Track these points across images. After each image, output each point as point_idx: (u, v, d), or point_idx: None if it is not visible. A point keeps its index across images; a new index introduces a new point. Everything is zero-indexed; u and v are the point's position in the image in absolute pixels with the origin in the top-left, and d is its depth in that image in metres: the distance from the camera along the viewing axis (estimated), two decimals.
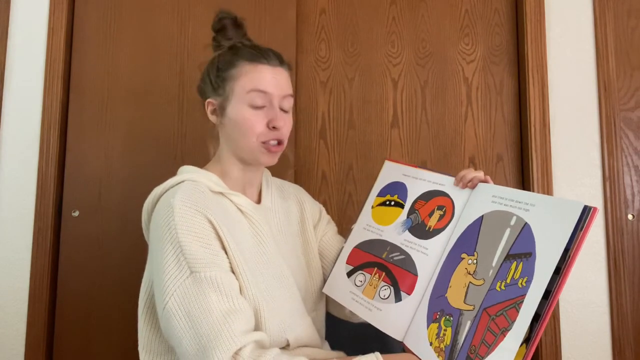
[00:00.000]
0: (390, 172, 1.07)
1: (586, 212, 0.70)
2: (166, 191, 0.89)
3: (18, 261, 1.48)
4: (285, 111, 0.96)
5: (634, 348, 1.43)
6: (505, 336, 0.70)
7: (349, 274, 1.00)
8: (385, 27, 1.59)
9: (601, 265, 1.47)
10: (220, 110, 0.95)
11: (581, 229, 0.70)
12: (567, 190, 1.49)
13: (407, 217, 0.98)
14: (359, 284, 0.97)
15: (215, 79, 0.95)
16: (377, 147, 1.56)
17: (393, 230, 0.99)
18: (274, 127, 0.92)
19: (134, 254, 1.47)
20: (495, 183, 0.91)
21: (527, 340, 0.69)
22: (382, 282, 0.94)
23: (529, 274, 0.72)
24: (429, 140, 1.56)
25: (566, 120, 1.51)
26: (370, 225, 1.03)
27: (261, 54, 0.94)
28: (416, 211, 0.98)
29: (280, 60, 0.96)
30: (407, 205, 1.00)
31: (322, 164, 1.56)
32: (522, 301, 0.70)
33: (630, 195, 1.48)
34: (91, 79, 1.56)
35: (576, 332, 1.45)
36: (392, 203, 1.02)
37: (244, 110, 0.92)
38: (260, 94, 0.92)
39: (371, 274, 0.97)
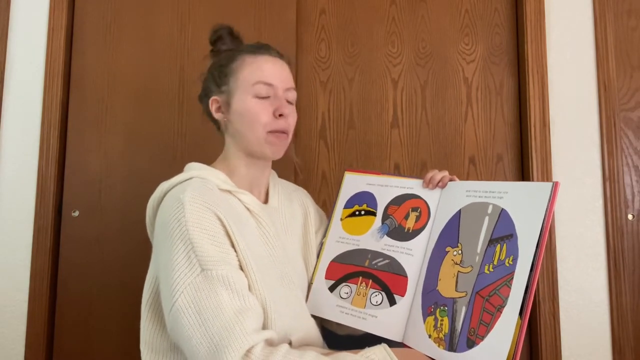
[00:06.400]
0: (353, 183, 1.08)
1: (552, 189, 0.80)
2: (173, 187, 0.88)
3: (18, 261, 1.48)
4: (290, 103, 0.97)
5: (634, 348, 1.43)
6: (501, 312, 0.77)
7: (332, 289, 1.00)
8: (385, 27, 1.59)
9: (601, 265, 1.47)
10: (225, 106, 0.95)
11: (549, 202, 0.79)
12: (567, 190, 1.49)
13: (383, 223, 1.00)
14: (345, 296, 0.97)
15: (219, 74, 0.96)
16: (377, 147, 1.56)
17: (370, 237, 1.00)
18: (280, 115, 0.93)
19: (134, 254, 1.47)
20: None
21: (519, 312, 0.76)
22: (371, 289, 0.94)
23: (514, 252, 0.79)
24: (429, 140, 1.56)
25: (566, 120, 1.51)
26: (343, 237, 1.04)
27: (261, 46, 0.97)
28: (390, 216, 0.99)
29: (280, 54, 0.98)
30: (380, 212, 1.01)
31: (322, 164, 1.56)
32: (512, 278, 0.77)
33: (630, 195, 1.48)
34: (91, 79, 1.56)
35: (576, 332, 1.45)
36: (362, 212, 1.03)
37: (248, 101, 0.92)
38: (265, 85, 0.93)
39: (357, 284, 0.97)
